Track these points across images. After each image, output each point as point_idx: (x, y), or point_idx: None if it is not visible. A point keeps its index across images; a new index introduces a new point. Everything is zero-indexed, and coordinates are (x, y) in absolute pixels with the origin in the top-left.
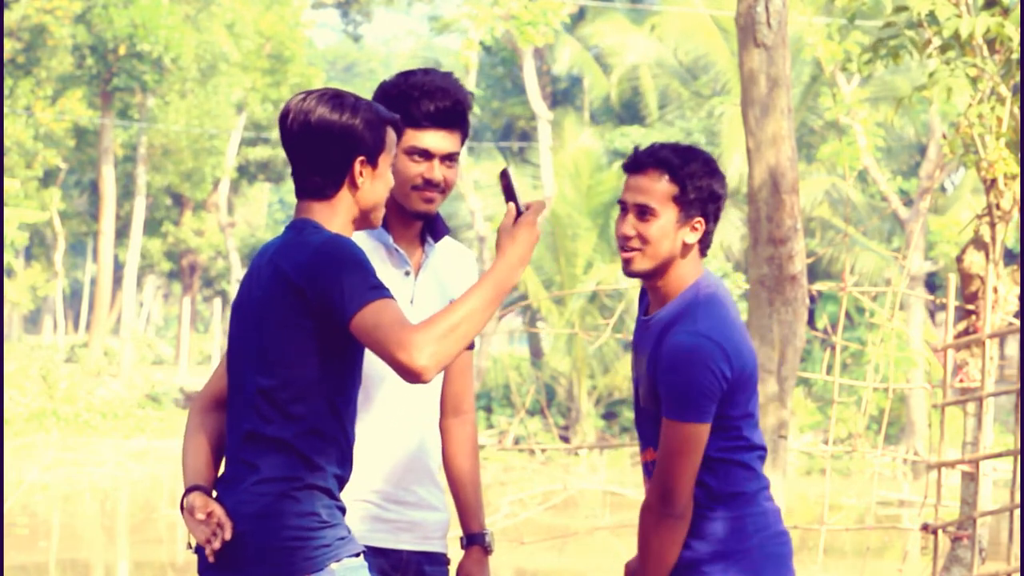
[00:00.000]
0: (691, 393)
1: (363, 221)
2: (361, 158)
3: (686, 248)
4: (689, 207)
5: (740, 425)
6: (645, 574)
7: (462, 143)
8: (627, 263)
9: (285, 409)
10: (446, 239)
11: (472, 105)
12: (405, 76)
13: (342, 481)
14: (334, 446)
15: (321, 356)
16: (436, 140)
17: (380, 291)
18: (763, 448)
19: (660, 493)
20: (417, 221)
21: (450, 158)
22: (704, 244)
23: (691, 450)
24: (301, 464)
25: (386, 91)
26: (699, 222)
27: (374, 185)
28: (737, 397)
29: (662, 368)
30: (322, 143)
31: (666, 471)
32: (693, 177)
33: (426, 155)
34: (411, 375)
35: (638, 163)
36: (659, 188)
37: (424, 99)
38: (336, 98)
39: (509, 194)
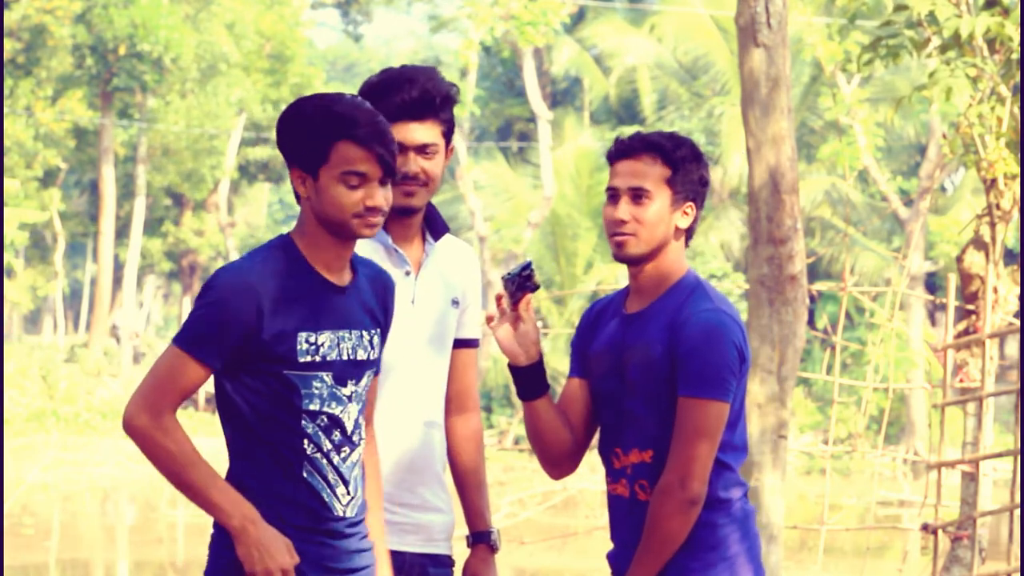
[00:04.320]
0: (721, 369)
1: (334, 230)
2: (298, 171)
3: (678, 233)
4: (682, 190)
5: (734, 421)
6: (647, 557)
7: (446, 134)
8: (620, 247)
9: None
10: (446, 237)
11: (454, 95)
12: (382, 72)
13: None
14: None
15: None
16: (408, 132)
17: (182, 339)
18: (745, 450)
19: (680, 477)
20: (406, 217)
21: (425, 149)
22: (689, 233)
23: (715, 430)
24: None
25: (368, 89)
26: (690, 207)
27: (319, 198)
28: (739, 385)
29: (687, 347)
30: (279, 144)
31: (688, 454)
32: (685, 161)
33: (400, 148)
34: (123, 416)
35: (630, 148)
36: (653, 171)
37: (392, 92)
38: (296, 103)
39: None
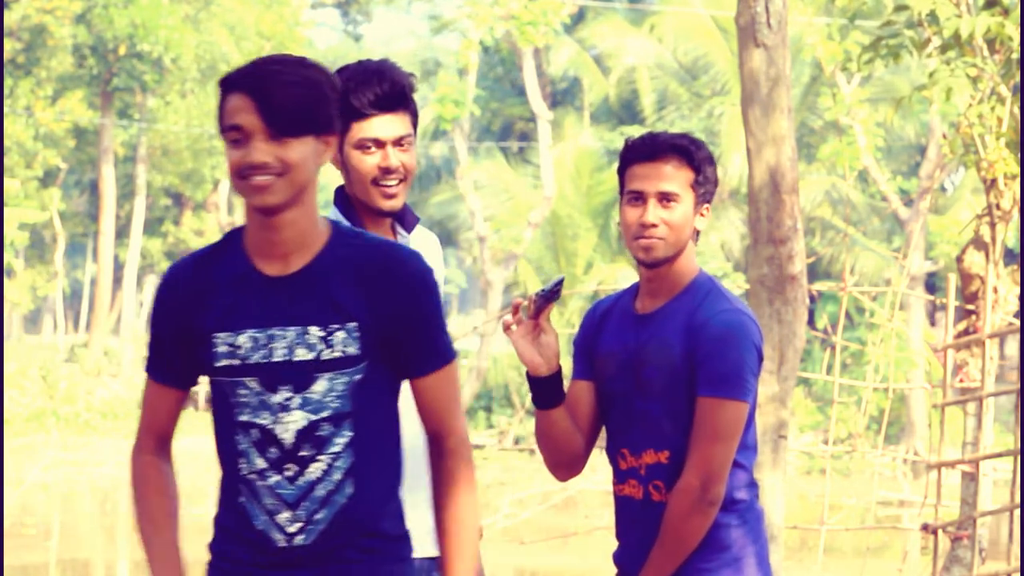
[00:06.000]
0: (741, 369)
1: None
2: None
3: (695, 235)
4: (703, 192)
5: (748, 421)
6: (663, 558)
7: (414, 124)
8: (649, 250)
9: None
10: (417, 228)
11: (415, 86)
12: (341, 70)
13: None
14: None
15: None
16: (384, 125)
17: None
18: (756, 449)
19: (701, 477)
20: (384, 217)
21: (401, 141)
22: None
23: (735, 431)
24: None
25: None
26: (707, 208)
27: None
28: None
29: (707, 348)
30: None
31: (708, 454)
32: (705, 163)
33: (378, 143)
34: None
35: (653, 151)
36: (680, 175)
37: (362, 87)
38: None
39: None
